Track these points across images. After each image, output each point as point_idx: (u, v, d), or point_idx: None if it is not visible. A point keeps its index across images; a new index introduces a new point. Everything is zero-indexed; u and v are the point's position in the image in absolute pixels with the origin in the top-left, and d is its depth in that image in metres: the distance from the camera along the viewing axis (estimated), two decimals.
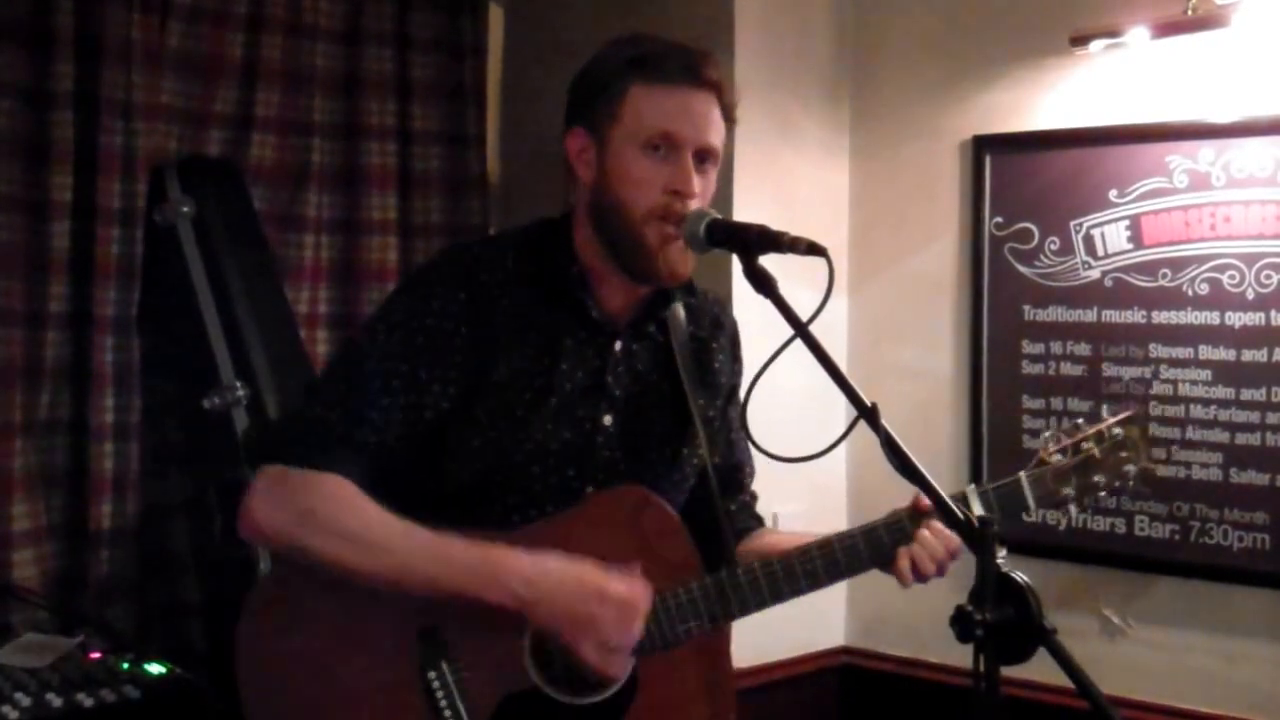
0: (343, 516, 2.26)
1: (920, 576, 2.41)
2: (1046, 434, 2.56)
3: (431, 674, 2.30)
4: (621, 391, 2.45)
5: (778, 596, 2.39)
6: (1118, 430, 2.52)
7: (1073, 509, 2.51)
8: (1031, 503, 2.48)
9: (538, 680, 2.31)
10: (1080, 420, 2.56)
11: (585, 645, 2.24)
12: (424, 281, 2.39)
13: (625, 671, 2.31)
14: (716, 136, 2.38)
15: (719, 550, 2.46)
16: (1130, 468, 2.51)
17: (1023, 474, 2.49)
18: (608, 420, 2.43)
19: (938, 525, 2.39)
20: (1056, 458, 2.50)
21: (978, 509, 2.41)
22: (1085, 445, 2.50)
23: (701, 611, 2.35)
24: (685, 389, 2.50)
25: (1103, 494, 2.52)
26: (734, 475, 2.67)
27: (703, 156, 2.36)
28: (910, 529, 2.41)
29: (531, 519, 2.36)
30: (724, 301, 2.67)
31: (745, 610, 2.38)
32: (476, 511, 2.35)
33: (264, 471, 2.33)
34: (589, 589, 2.24)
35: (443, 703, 2.29)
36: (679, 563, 2.38)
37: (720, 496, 2.52)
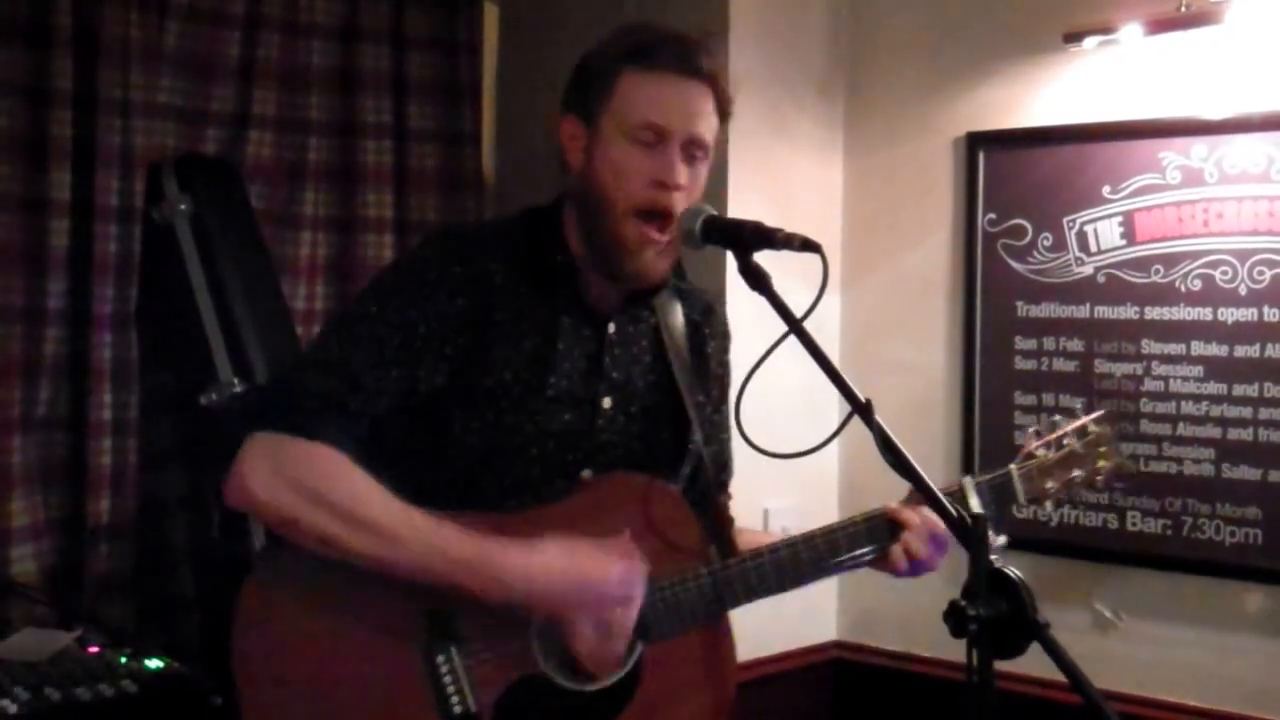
0: (339, 492, 2.20)
1: (913, 564, 2.44)
2: (1031, 429, 2.60)
3: (440, 658, 2.26)
4: (619, 374, 2.45)
5: (782, 584, 2.40)
6: (1094, 427, 2.58)
7: (1049, 505, 2.56)
8: (1021, 496, 2.52)
9: (545, 667, 2.29)
10: (1058, 417, 2.62)
11: (584, 633, 2.24)
12: (420, 257, 2.37)
13: (623, 654, 2.29)
14: (707, 128, 2.35)
15: (716, 537, 2.46)
16: (1104, 464, 2.58)
17: (1013, 467, 2.53)
18: (607, 403, 2.43)
19: (924, 510, 2.41)
20: (1041, 452, 2.55)
21: (974, 499, 2.43)
22: (1066, 441, 2.56)
23: (709, 598, 2.36)
24: (676, 375, 2.50)
25: (1080, 489, 2.59)
26: (718, 473, 2.65)
27: (692, 149, 2.33)
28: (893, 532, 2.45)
29: (526, 502, 2.34)
30: (716, 295, 2.67)
31: (750, 597, 2.39)
32: (473, 493, 2.33)
33: (256, 438, 2.24)
34: (586, 576, 2.22)
35: (450, 688, 2.26)
36: (689, 548, 2.39)
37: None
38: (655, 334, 2.51)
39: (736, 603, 2.39)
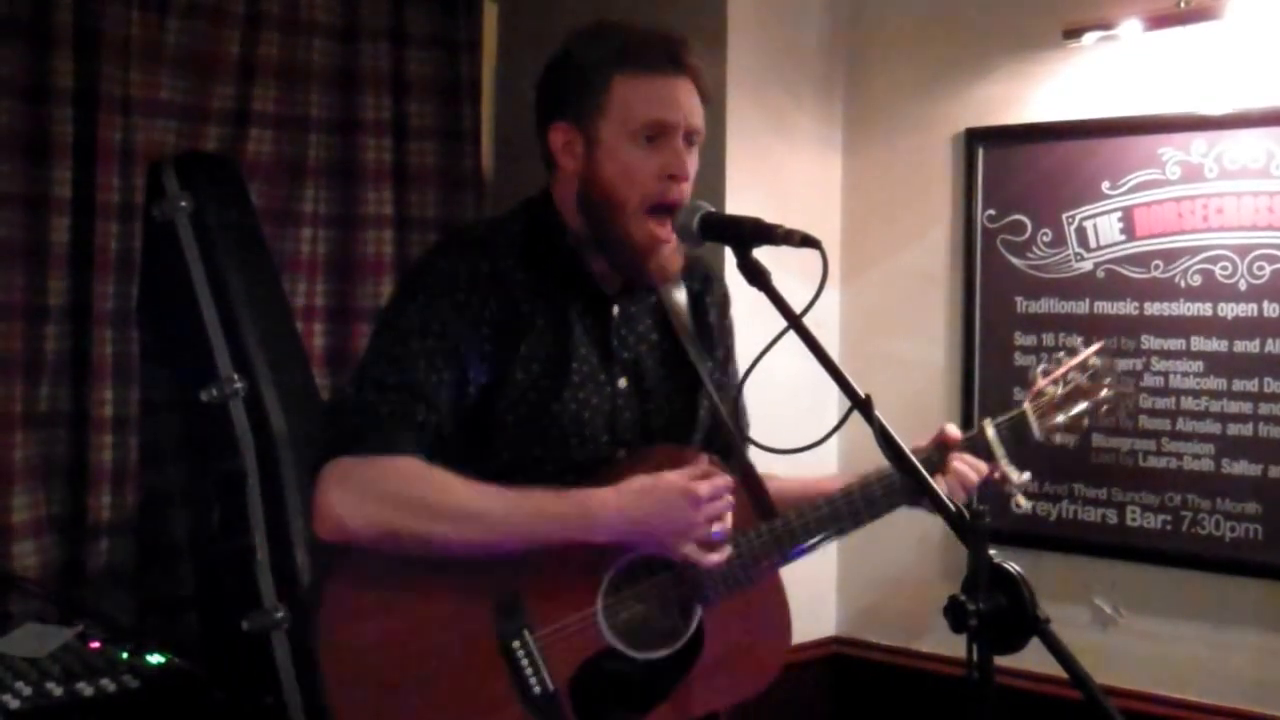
0: (430, 493, 2.27)
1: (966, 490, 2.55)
2: (1039, 367, 2.70)
3: (515, 643, 2.33)
4: (629, 353, 2.50)
5: (828, 538, 2.51)
6: (1095, 360, 2.68)
7: (1058, 438, 2.65)
8: (1038, 432, 2.63)
9: (613, 640, 2.37)
10: (1061, 353, 2.71)
11: (687, 550, 2.32)
12: (446, 261, 2.41)
13: (725, 558, 2.37)
14: (700, 119, 2.42)
15: (753, 496, 2.52)
16: (1107, 393, 2.69)
17: (1027, 404, 2.65)
18: (623, 383, 2.48)
19: (966, 457, 2.56)
20: (1050, 389, 2.66)
21: (995, 443, 2.59)
22: (1071, 375, 2.66)
23: (763, 556, 2.44)
24: (685, 345, 2.55)
25: (1085, 421, 2.68)
26: (739, 427, 2.69)
27: (690, 138, 2.40)
28: (937, 461, 2.53)
29: (569, 485, 2.39)
30: (711, 263, 2.71)
31: (805, 551, 2.49)
32: (516, 483, 2.36)
33: (331, 468, 2.29)
34: (678, 498, 2.29)
35: (528, 670, 2.33)
36: (748, 519, 2.45)
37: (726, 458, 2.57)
38: (657, 310, 2.56)
39: (789, 559, 2.49)
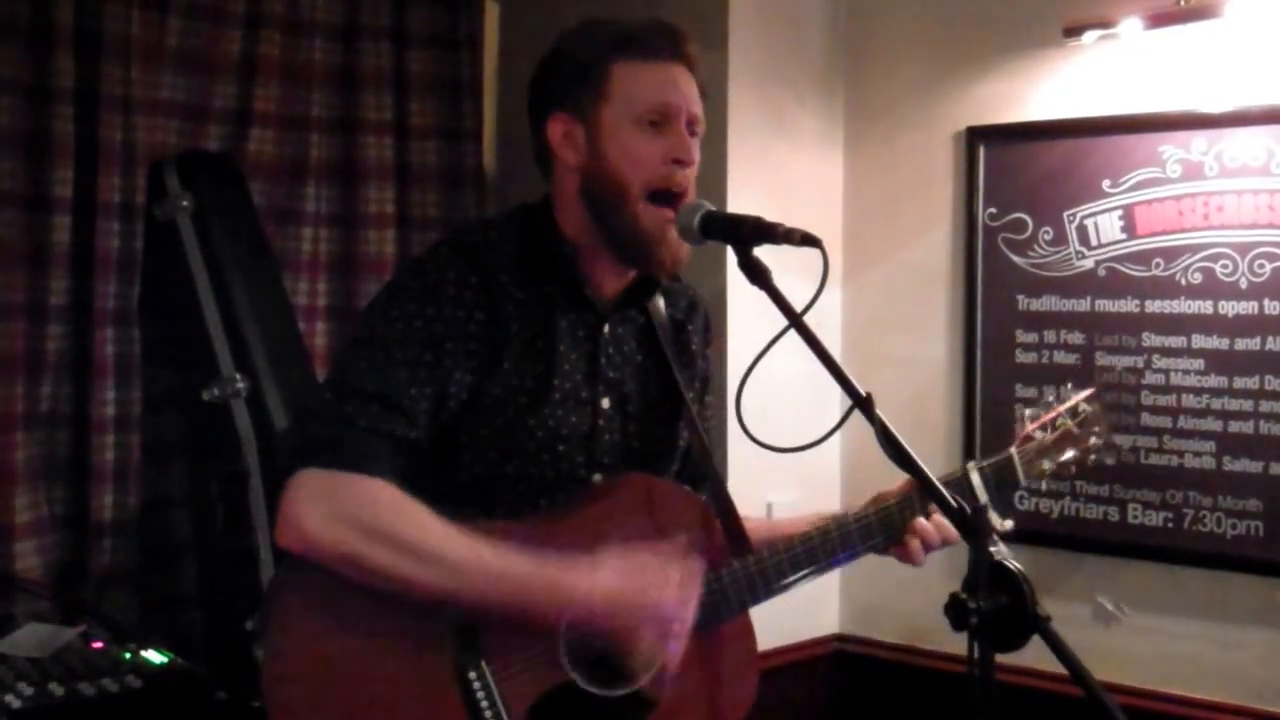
0: (401, 527, 2.17)
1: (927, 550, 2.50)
2: (1027, 412, 2.66)
3: (472, 674, 2.24)
4: (615, 374, 2.46)
5: (804, 577, 2.44)
6: (1085, 406, 2.65)
7: (1044, 484, 2.62)
8: (1022, 477, 2.58)
9: (573, 674, 2.28)
10: (1051, 398, 2.68)
11: (647, 640, 2.23)
12: (435, 269, 2.32)
13: (680, 657, 2.28)
14: (700, 108, 2.40)
15: (729, 531, 2.47)
16: (1095, 441, 2.65)
17: (1013, 450, 2.60)
18: (606, 404, 2.43)
19: (937, 518, 2.47)
20: (1039, 434, 2.61)
21: (978, 486, 2.52)
22: (1061, 421, 2.62)
23: (743, 592, 2.39)
24: (672, 369, 2.51)
25: (1073, 469, 2.65)
26: (700, 466, 2.64)
27: (692, 127, 2.38)
28: (920, 508, 2.49)
29: (540, 508, 2.35)
30: (696, 288, 2.69)
31: (778, 591, 2.42)
32: (487, 501, 2.33)
33: (304, 476, 2.19)
34: (648, 588, 2.21)
35: (483, 703, 2.23)
36: (711, 545, 2.41)
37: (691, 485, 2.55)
38: (642, 333, 2.52)
39: (761, 598, 2.42)
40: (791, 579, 2.43)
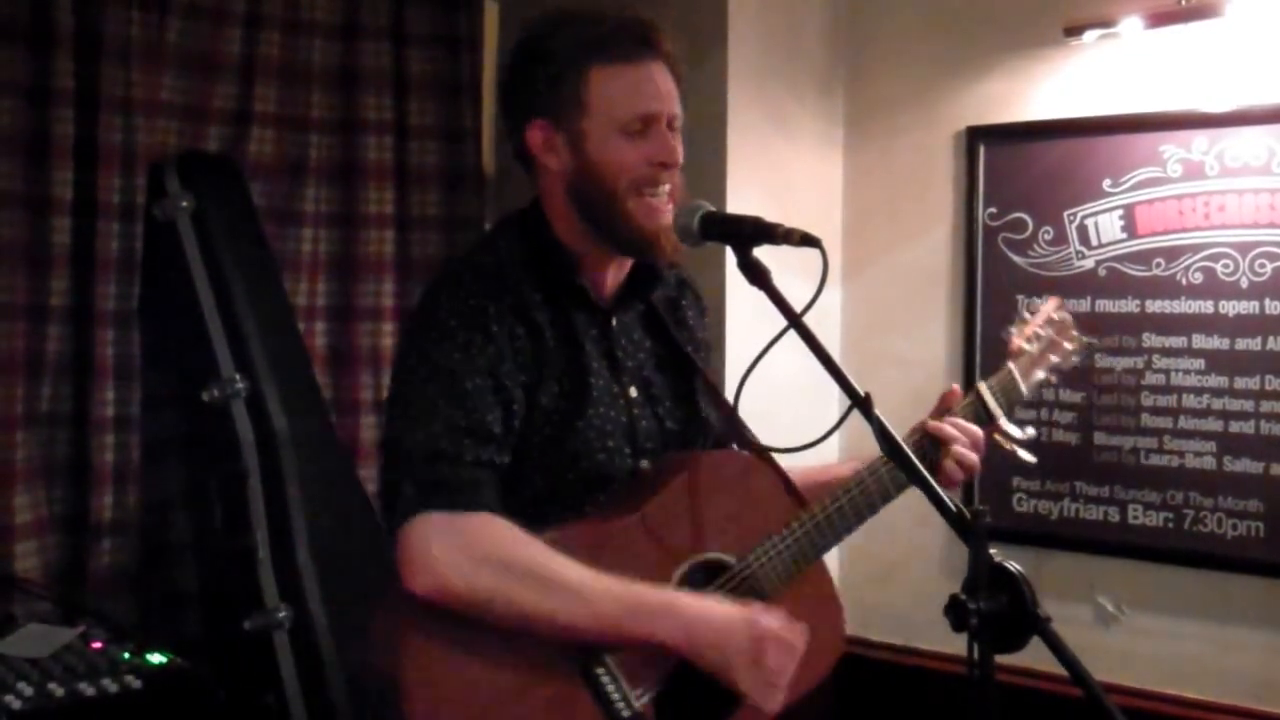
0: (527, 560, 2.21)
1: (967, 472, 2.54)
2: (1011, 330, 2.75)
3: (599, 670, 2.28)
4: (632, 363, 2.50)
5: (863, 519, 2.50)
6: (1055, 314, 2.76)
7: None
8: (1025, 391, 2.68)
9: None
10: (1027, 314, 2.77)
11: (746, 682, 2.29)
12: (473, 297, 2.33)
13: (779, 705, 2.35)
14: (678, 103, 2.40)
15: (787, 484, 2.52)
16: (1070, 345, 2.76)
17: (1010, 364, 2.69)
18: (634, 392, 2.48)
19: (958, 422, 2.56)
20: (1028, 347, 2.71)
21: (992, 403, 2.61)
22: (1042, 331, 2.73)
23: (808, 548, 2.44)
24: (683, 347, 2.56)
25: (1056, 374, 2.76)
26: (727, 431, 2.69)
27: (672, 124, 2.39)
28: (934, 456, 2.53)
29: (600, 504, 2.39)
30: (685, 268, 2.71)
31: (836, 540, 2.48)
32: (547, 507, 2.35)
33: (424, 521, 2.20)
34: (755, 632, 2.28)
35: (614, 696, 2.28)
36: (780, 505, 2.46)
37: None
38: (645, 319, 2.55)
39: (829, 547, 2.48)
40: (855, 523, 2.49)
